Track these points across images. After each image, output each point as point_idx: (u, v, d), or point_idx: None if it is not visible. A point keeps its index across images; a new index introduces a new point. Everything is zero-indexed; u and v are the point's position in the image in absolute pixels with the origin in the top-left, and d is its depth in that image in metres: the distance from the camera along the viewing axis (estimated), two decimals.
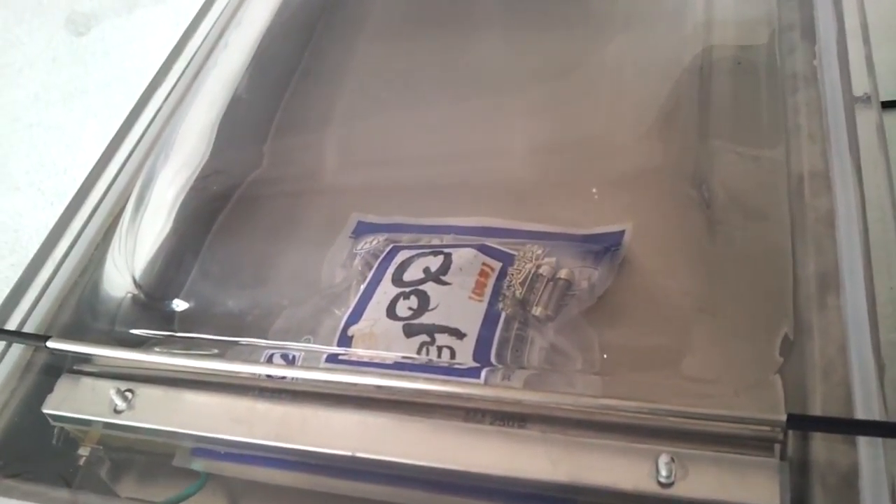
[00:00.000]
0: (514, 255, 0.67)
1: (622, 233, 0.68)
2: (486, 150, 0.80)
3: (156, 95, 0.85)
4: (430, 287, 0.64)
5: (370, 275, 0.68)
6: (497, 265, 0.66)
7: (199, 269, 0.74)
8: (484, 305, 0.63)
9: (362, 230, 0.75)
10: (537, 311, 0.64)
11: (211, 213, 0.77)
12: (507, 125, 0.83)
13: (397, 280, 0.66)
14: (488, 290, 0.64)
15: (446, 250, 0.67)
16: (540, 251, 0.67)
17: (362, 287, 0.67)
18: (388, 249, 0.69)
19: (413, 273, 0.66)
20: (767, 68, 0.76)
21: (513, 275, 0.65)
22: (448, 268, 0.65)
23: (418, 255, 0.68)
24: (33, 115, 1.84)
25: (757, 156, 0.70)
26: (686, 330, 0.61)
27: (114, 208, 0.75)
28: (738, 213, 0.66)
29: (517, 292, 0.64)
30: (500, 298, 0.64)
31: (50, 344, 0.63)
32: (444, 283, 0.64)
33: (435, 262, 0.66)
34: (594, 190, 0.71)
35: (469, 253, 0.67)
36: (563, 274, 0.65)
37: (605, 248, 0.67)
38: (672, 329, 0.61)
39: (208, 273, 0.74)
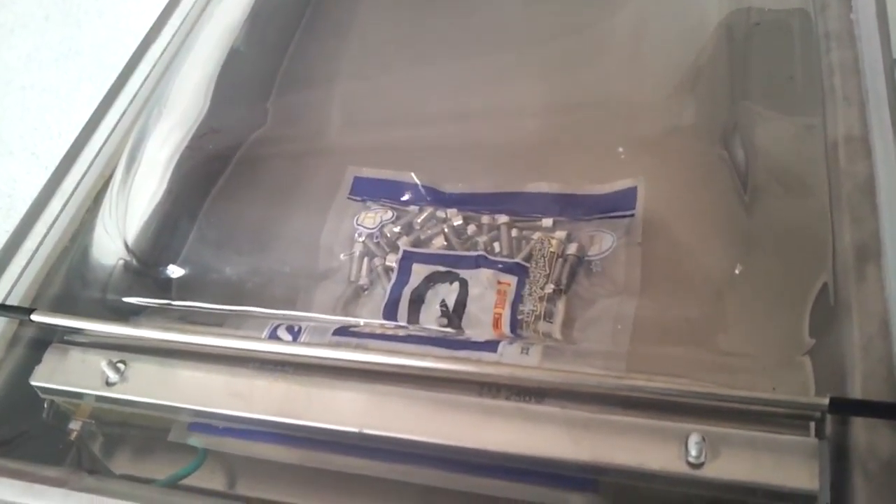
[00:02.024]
0: (527, 268, 0.63)
1: (634, 189, 0.65)
2: (496, 110, 0.77)
3: (150, 51, 0.81)
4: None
5: (385, 301, 0.64)
6: (510, 285, 0.63)
7: (196, 234, 0.70)
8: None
9: (361, 188, 0.72)
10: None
11: (209, 174, 0.73)
12: (518, 84, 0.79)
13: (414, 323, 0.63)
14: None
15: (461, 275, 0.64)
16: (553, 240, 0.64)
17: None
18: (400, 255, 0.66)
19: (429, 314, 0.63)
20: (800, 26, 0.72)
21: (529, 291, 0.62)
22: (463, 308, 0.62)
23: (434, 282, 0.64)
24: (26, 76, 1.79)
25: (789, 118, 0.66)
26: (715, 301, 0.57)
27: (105, 170, 0.71)
28: (770, 178, 0.63)
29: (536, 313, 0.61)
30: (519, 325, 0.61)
31: (34, 317, 0.59)
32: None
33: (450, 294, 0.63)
34: (620, 149, 0.67)
35: (483, 277, 0.63)
36: (573, 249, 0.63)
37: (620, 214, 0.65)
38: (700, 300, 0.58)
39: (206, 238, 0.70)
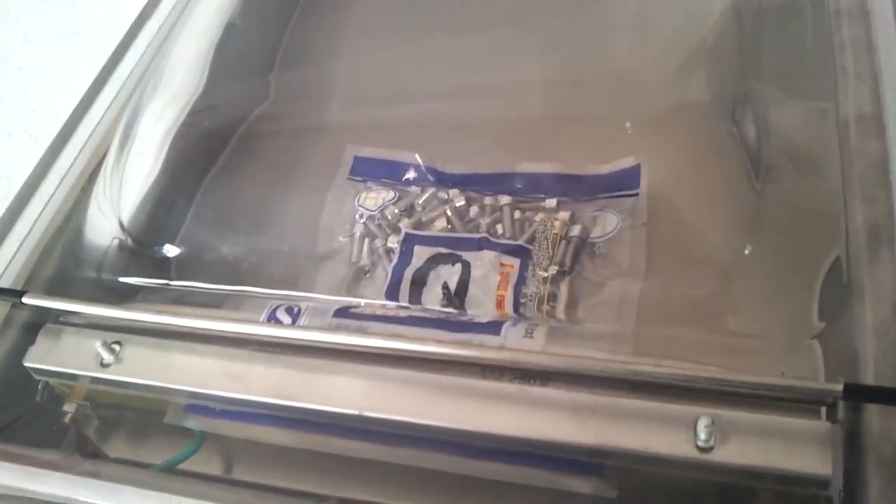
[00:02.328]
0: (530, 250, 0.62)
1: (637, 168, 0.63)
2: (499, 88, 0.75)
3: (146, 27, 0.79)
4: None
5: (388, 282, 0.63)
6: (513, 266, 0.62)
7: (194, 213, 0.68)
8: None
9: (361, 168, 0.70)
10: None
11: (208, 151, 0.71)
12: (521, 62, 0.77)
13: (416, 304, 0.61)
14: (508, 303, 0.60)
15: (464, 257, 0.63)
16: (557, 222, 0.63)
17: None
18: (402, 237, 0.65)
19: (431, 296, 0.61)
20: (811, 3, 0.70)
21: (532, 273, 0.61)
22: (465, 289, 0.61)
23: (436, 263, 0.63)
24: (23, 57, 1.77)
25: (799, 95, 0.64)
26: (722, 283, 0.56)
27: (99, 148, 0.69)
28: (780, 156, 0.61)
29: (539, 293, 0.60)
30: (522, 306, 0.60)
31: (25, 300, 0.57)
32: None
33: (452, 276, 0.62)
34: (627, 124, 0.66)
35: (486, 259, 0.62)
36: (576, 231, 0.62)
37: (624, 193, 0.63)
38: (707, 282, 0.57)
39: (205, 217, 0.69)
